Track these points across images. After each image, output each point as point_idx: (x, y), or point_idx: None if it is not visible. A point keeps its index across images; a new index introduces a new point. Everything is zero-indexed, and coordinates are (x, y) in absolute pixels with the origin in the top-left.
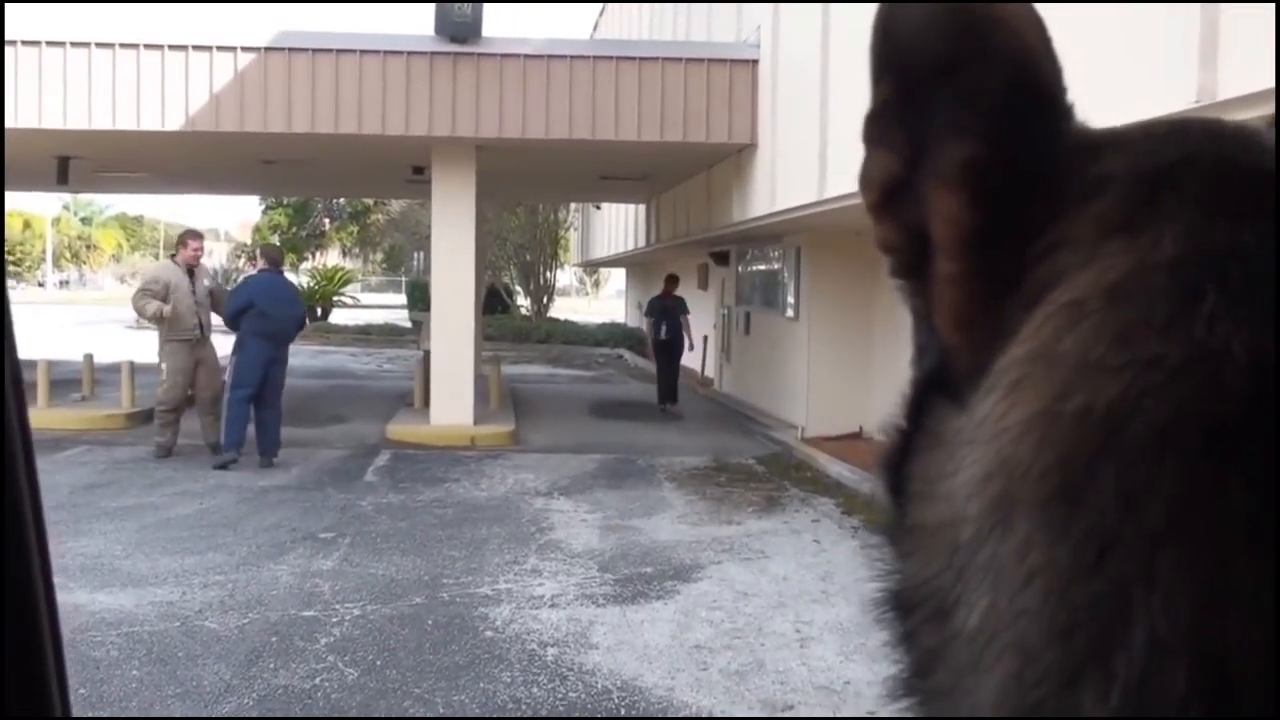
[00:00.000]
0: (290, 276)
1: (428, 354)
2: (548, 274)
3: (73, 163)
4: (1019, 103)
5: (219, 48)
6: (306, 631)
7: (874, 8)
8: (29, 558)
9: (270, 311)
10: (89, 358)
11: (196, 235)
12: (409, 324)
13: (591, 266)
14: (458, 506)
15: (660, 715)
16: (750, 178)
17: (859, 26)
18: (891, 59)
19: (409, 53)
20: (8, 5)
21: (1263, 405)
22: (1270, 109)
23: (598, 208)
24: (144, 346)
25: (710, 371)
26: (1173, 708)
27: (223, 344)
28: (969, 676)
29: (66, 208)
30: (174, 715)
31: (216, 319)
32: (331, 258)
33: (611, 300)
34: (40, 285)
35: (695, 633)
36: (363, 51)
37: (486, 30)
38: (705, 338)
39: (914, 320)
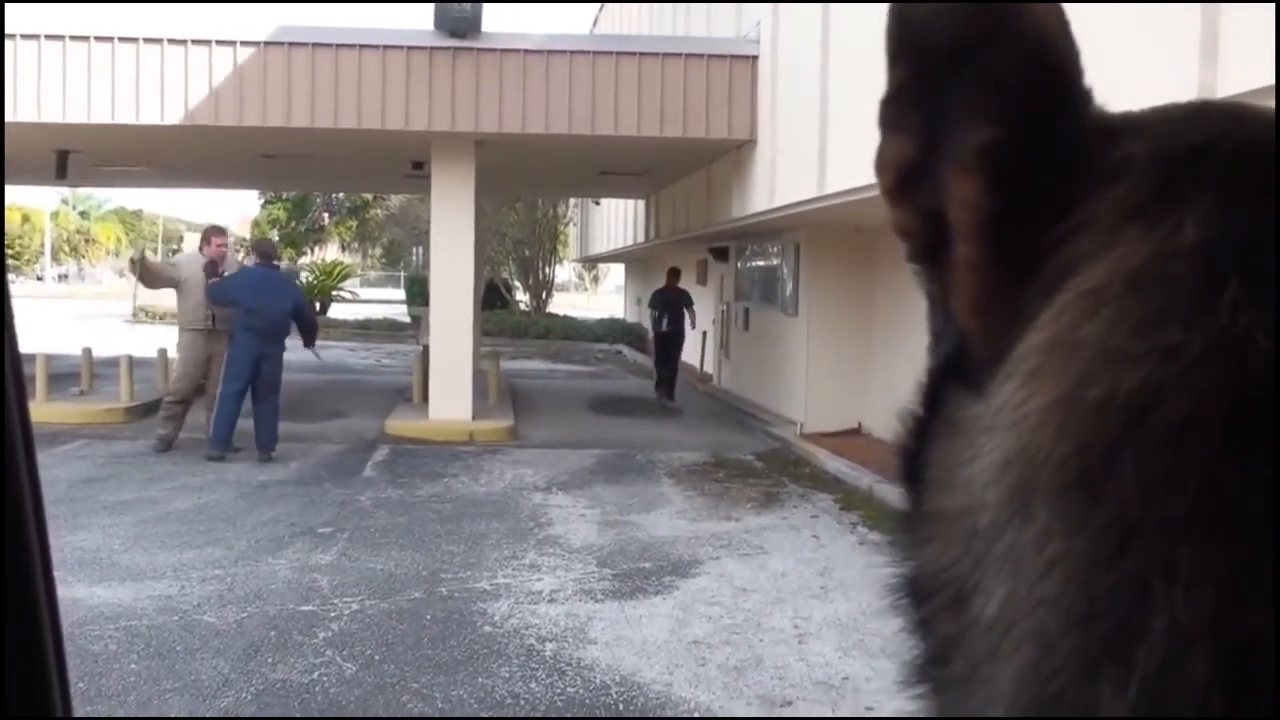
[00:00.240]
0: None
1: (426, 349)
2: (547, 269)
3: (71, 157)
4: (1037, 86)
5: (218, 42)
6: (305, 626)
7: (872, 4)
8: (29, 555)
9: (258, 307)
10: (88, 352)
11: (220, 231)
12: (408, 319)
13: (590, 262)
14: (456, 501)
15: (658, 710)
16: (750, 173)
17: (859, 22)
18: (907, 42)
19: (409, 47)
20: (8, 2)
21: None
22: (1270, 105)
23: (597, 203)
24: (143, 341)
25: (709, 367)
26: (1193, 699)
27: None
28: (986, 665)
29: (65, 202)
30: (172, 709)
31: None
32: (330, 252)
33: (610, 296)
34: (39, 279)
35: (694, 628)
36: (362, 46)
37: (486, 26)
38: (704, 334)
39: (930, 306)
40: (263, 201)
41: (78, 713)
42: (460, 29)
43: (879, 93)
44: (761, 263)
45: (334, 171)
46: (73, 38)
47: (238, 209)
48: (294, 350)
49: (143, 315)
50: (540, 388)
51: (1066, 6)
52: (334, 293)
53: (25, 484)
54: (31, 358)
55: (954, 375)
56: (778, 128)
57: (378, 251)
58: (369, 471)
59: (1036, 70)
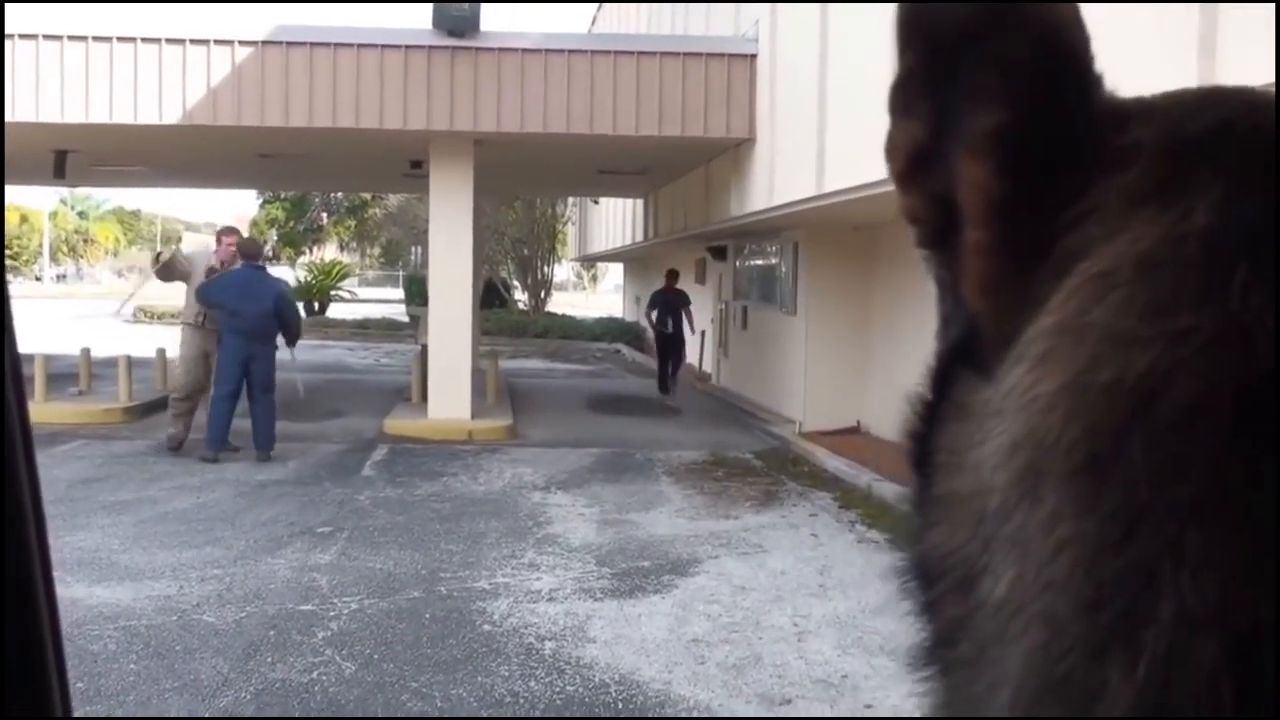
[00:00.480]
0: (285, 270)
1: (425, 348)
2: (545, 268)
3: (70, 156)
4: (1047, 70)
5: (216, 41)
6: (304, 625)
7: (871, 4)
8: (29, 555)
9: (241, 309)
10: (86, 352)
11: (231, 232)
12: (406, 318)
13: (589, 261)
14: (455, 501)
15: (657, 709)
16: (748, 172)
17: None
18: (918, 27)
19: (407, 46)
20: (7, 1)
21: None
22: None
23: (596, 202)
24: (141, 341)
25: (708, 366)
26: (1200, 683)
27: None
28: (994, 647)
29: (64, 202)
30: (171, 708)
31: None
32: (329, 252)
33: (609, 295)
34: (37, 279)
35: (693, 626)
36: (360, 45)
37: (484, 25)
38: (703, 332)
39: (939, 291)
40: (261, 201)
41: (77, 713)
42: (458, 28)
43: (877, 92)
44: (760, 261)
45: (332, 171)
46: (70, 37)
47: (236, 209)
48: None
49: (141, 315)
50: (539, 387)
51: None
52: (332, 292)
53: (25, 484)
54: (30, 358)
55: (963, 360)
56: (776, 127)
57: (376, 251)
58: (368, 471)
59: (1047, 55)
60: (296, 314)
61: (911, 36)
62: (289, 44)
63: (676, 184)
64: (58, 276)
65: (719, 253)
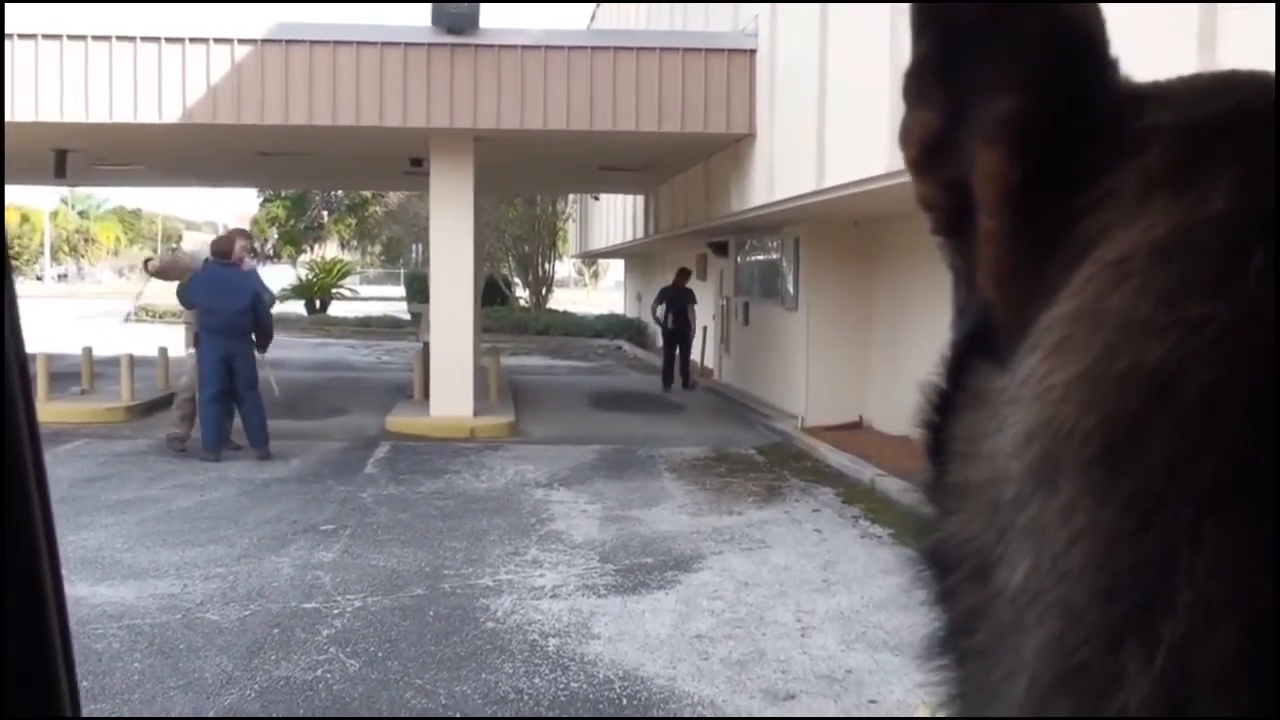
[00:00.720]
0: (285, 269)
1: (427, 346)
2: (546, 265)
3: (70, 155)
4: (1062, 55)
5: (216, 40)
6: (308, 623)
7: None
8: (38, 557)
9: (215, 307)
10: (88, 351)
11: (242, 234)
12: (408, 316)
13: (590, 258)
14: (458, 498)
15: (661, 705)
16: (748, 168)
17: (856, 16)
18: (932, 12)
19: (406, 44)
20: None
21: None
22: None
23: (596, 199)
24: (143, 340)
25: (710, 362)
26: (1218, 672)
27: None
28: (1011, 636)
29: (64, 201)
30: (176, 707)
31: None
32: (330, 250)
33: (610, 291)
34: (39, 279)
35: (696, 622)
36: (360, 43)
37: (483, 22)
38: (704, 328)
39: (954, 279)
40: (261, 199)
41: (83, 712)
42: (458, 25)
43: (877, 87)
44: (761, 257)
45: (332, 169)
46: (70, 37)
47: (237, 207)
48: (290, 347)
49: (142, 314)
50: (541, 384)
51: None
52: (333, 290)
53: (33, 485)
54: (32, 357)
55: (978, 348)
56: (776, 122)
57: (377, 249)
58: (370, 469)
59: (1061, 40)
60: (270, 315)
61: (926, 23)
62: (288, 42)
63: (677, 180)
64: (59, 276)
65: (720, 248)
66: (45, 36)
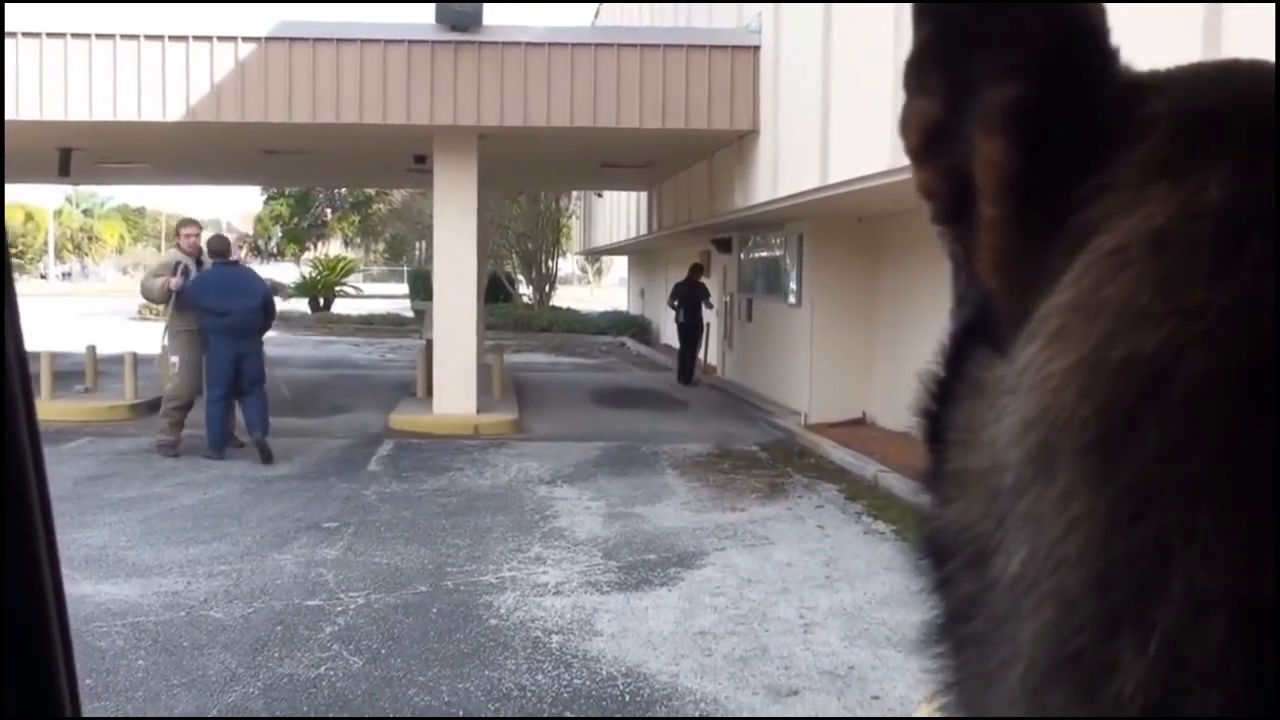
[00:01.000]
0: (289, 267)
1: (430, 343)
2: (550, 262)
3: (74, 154)
4: (1063, 44)
5: (219, 38)
6: (311, 620)
7: None
8: (37, 555)
9: (224, 307)
10: (92, 349)
11: (191, 223)
12: (411, 313)
13: (593, 255)
14: (461, 495)
15: (665, 701)
16: (752, 164)
17: (860, 12)
18: (933, 1)
19: (410, 41)
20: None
21: None
22: None
23: (599, 196)
24: (147, 338)
25: (713, 359)
26: (1212, 660)
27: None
28: (1008, 624)
29: (69, 200)
30: (179, 704)
31: None
32: (334, 248)
33: (614, 288)
34: (43, 277)
35: (699, 619)
36: (363, 41)
37: (487, 19)
38: (708, 325)
39: (954, 268)
40: (265, 197)
41: (85, 710)
42: (461, 23)
43: (881, 82)
44: (764, 253)
45: (336, 166)
46: (74, 35)
47: (241, 205)
48: (293, 345)
49: (145, 312)
50: (544, 381)
51: None
52: (337, 288)
53: (32, 482)
54: (36, 356)
55: (977, 337)
56: (780, 118)
57: (381, 246)
58: (374, 466)
59: (1063, 28)
60: (274, 306)
61: (926, 11)
62: (292, 40)
63: (680, 177)
64: (63, 274)
65: (724, 245)
66: (49, 35)
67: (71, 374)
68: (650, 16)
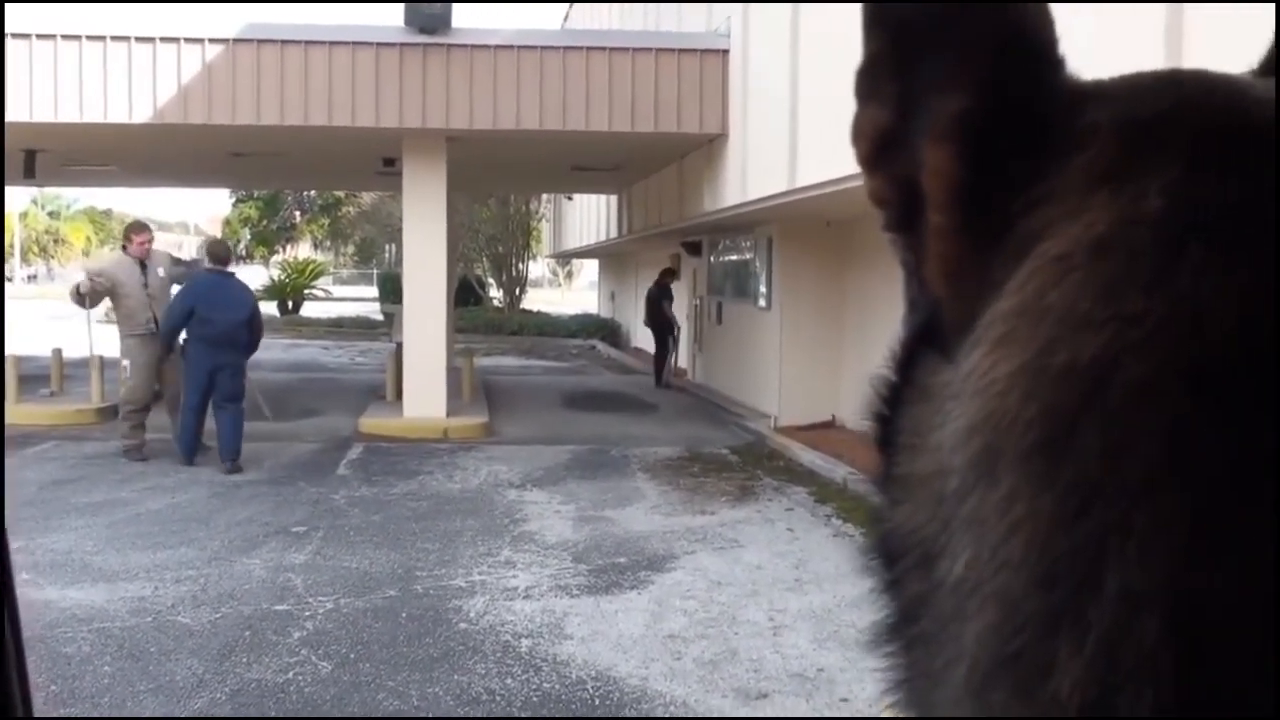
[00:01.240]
0: (258, 270)
1: (400, 346)
2: (520, 265)
3: (39, 156)
4: (1011, 55)
5: (186, 39)
6: (279, 625)
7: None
8: None
9: (210, 316)
10: (58, 352)
11: (142, 228)
12: (381, 316)
13: (564, 258)
14: (431, 499)
15: (634, 705)
16: (721, 168)
17: (828, 16)
18: (884, 11)
19: (378, 44)
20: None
21: (1243, 359)
22: (1239, 74)
23: (569, 199)
24: (112, 341)
25: (683, 361)
26: (1144, 657)
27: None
28: (952, 624)
29: (35, 202)
30: (146, 710)
31: None
32: (303, 250)
33: (584, 291)
34: (8, 280)
35: (669, 622)
36: (331, 43)
37: (456, 22)
38: (677, 328)
39: (905, 275)
40: (234, 200)
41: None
42: (430, 25)
43: (849, 87)
44: (734, 257)
45: (305, 169)
46: (39, 36)
47: (209, 208)
48: (263, 348)
49: (111, 316)
50: (514, 384)
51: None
52: (306, 291)
53: None
54: (1, 359)
55: (927, 343)
56: (749, 122)
57: (350, 249)
58: (343, 470)
59: (1010, 40)
60: (261, 325)
61: (877, 21)
62: (260, 42)
63: (650, 180)
64: (29, 277)
65: (694, 248)
66: (14, 36)
67: (37, 377)
68: (620, 16)
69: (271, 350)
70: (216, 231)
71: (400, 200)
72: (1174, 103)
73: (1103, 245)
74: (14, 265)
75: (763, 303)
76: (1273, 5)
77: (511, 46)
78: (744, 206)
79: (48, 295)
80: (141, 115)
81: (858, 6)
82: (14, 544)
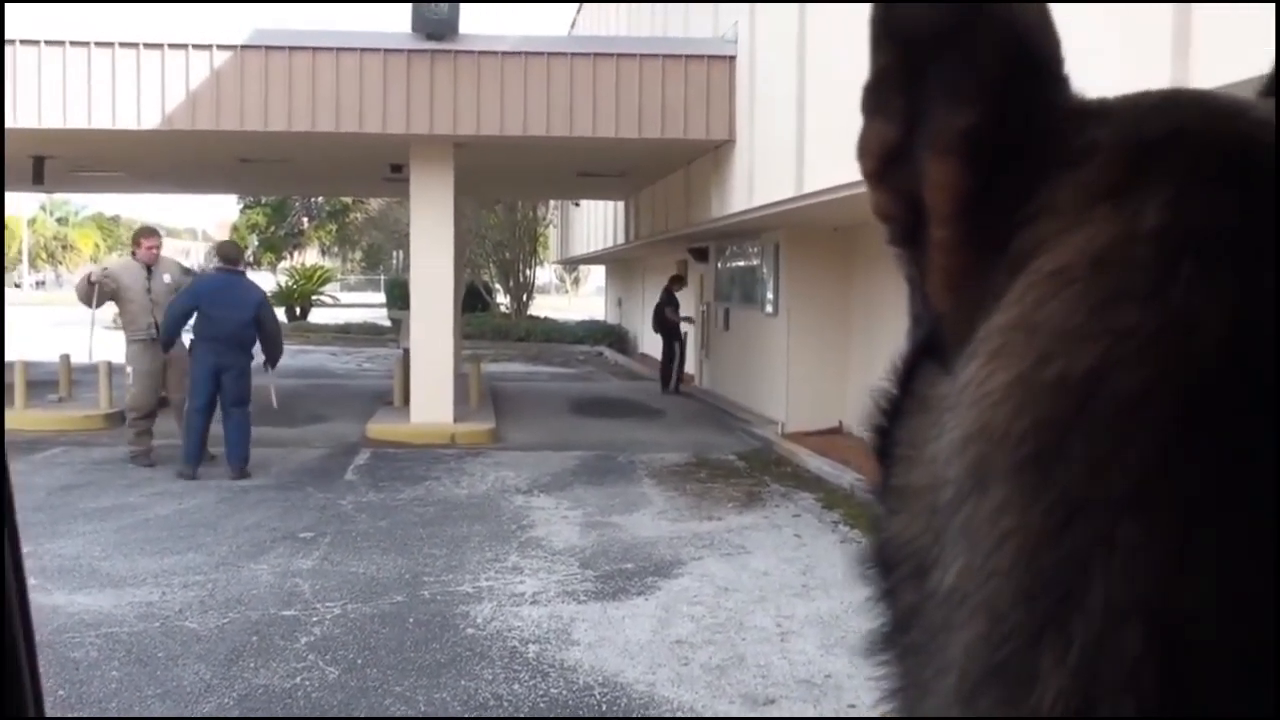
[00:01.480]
0: (266, 276)
1: (407, 352)
2: (527, 271)
3: (48, 162)
4: (1016, 72)
5: (195, 46)
6: (287, 631)
7: (848, 4)
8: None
9: (214, 314)
10: (66, 358)
11: (151, 233)
12: (388, 322)
13: (571, 264)
14: (438, 505)
15: (642, 711)
16: (728, 173)
17: (835, 22)
18: (891, 27)
19: (386, 50)
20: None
21: (1232, 376)
22: (1241, 94)
23: (576, 205)
24: (120, 347)
25: (690, 367)
26: (1125, 670)
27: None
28: (941, 634)
29: (43, 208)
30: (154, 714)
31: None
32: (310, 256)
33: (591, 297)
34: (16, 286)
35: (676, 628)
36: (339, 49)
37: (463, 28)
38: (684, 334)
39: (909, 289)
40: (241, 206)
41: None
42: (437, 31)
43: (856, 93)
44: (741, 263)
45: (313, 175)
46: (48, 42)
47: (216, 214)
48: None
49: (118, 322)
50: (521, 390)
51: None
52: (314, 297)
53: None
54: (10, 365)
55: (929, 356)
56: (756, 127)
57: (357, 255)
58: (350, 475)
59: (1016, 57)
60: (278, 327)
61: (884, 37)
62: (268, 48)
63: (657, 186)
64: (37, 283)
65: (701, 254)
66: (23, 42)
67: (45, 383)
68: (628, 20)
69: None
70: (225, 238)
71: (408, 206)
72: (1174, 122)
73: (1099, 260)
74: (22, 271)
75: (770, 309)
76: (1272, 5)
77: (519, 53)
78: (751, 212)
79: (56, 301)
80: (150, 121)
81: (864, 11)
82: (23, 549)
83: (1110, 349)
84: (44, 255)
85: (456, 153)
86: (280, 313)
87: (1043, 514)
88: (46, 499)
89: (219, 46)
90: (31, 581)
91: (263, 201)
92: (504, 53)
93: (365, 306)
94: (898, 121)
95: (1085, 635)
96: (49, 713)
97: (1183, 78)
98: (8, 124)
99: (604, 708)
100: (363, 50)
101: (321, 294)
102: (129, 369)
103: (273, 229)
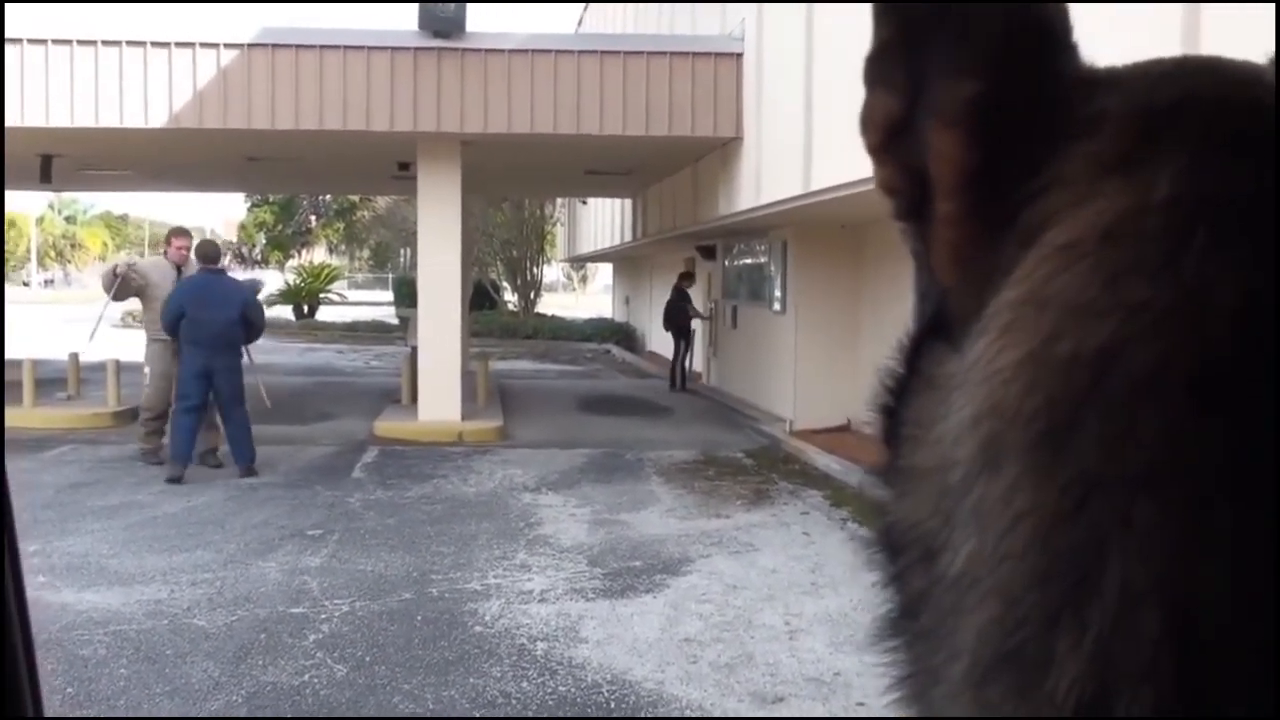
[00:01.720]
0: (274, 274)
1: (415, 350)
2: (534, 269)
3: (56, 161)
4: (1020, 41)
5: (202, 44)
6: (295, 628)
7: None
8: None
9: (199, 316)
10: (74, 357)
11: (183, 233)
12: (396, 320)
13: (578, 261)
14: (446, 502)
15: (650, 709)
16: (736, 171)
17: (842, 18)
18: None
19: (393, 48)
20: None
21: (1248, 350)
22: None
23: (584, 203)
24: (130, 345)
25: (698, 365)
26: (1143, 653)
27: None
28: (952, 618)
29: (51, 206)
30: (162, 713)
31: None
32: (318, 255)
33: (599, 295)
34: (25, 284)
35: (685, 626)
36: (346, 47)
37: (470, 25)
38: (692, 331)
39: (915, 265)
40: (249, 204)
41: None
42: (444, 29)
43: (863, 89)
44: (749, 260)
45: (320, 173)
46: (55, 41)
47: (224, 212)
48: (278, 352)
49: (130, 319)
50: (529, 388)
51: None
52: (321, 295)
53: None
54: (18, 363)
55: (936, 333)
56: (763, 125)
57: (365, 253)
58: (358, 473)
59: (1020, 25)
60: (262, 315)
61: (886, 8)
62: (275, 46)
63: (664, 183)
64: (45, 281)
65: (708, 252)
66: (30, 41)
67: (54, 381)
68: (635, 17)
69: (287, 354)
70: (233, 236)
71: (415, 204)
72: (1185, 90)
73: (1111, 233)
74: (31, 270)
75: (777, 306)
76: (1249, 6)
77: (526, 50)
78: (758, 210)
79: (64, 300)
80: (157, 120)
81: (871, 8)
82: (31, 547)
83: (1123, 324)
84: (52, 254)
85: (464, 151)
86: (288, 311)
87: (1056, 494)
88: (55, 497)
89: (226, 45)
90: (40, 579)
91: (270, 200)
92: (511, 51)
93: (373, 304)
94: (901, 93)
95: (1101, 620)
96: (56, 711)
97: None
98: (16, 123)
99: (612, 706)
100: (370, 49)
101: (329, 292)
102: (147, 369)
103: (280, 227)
